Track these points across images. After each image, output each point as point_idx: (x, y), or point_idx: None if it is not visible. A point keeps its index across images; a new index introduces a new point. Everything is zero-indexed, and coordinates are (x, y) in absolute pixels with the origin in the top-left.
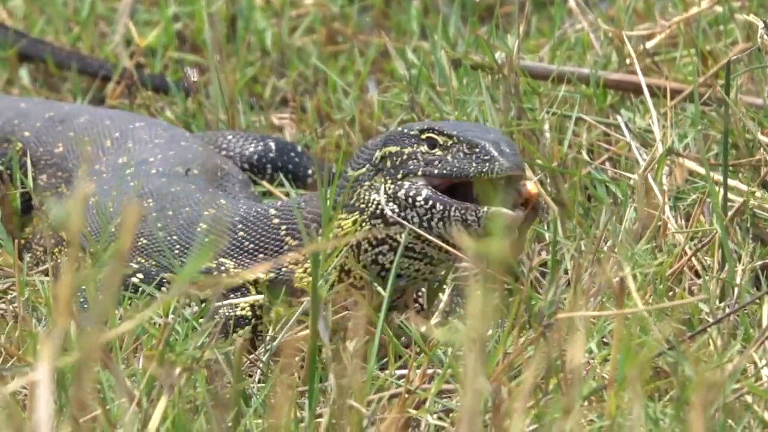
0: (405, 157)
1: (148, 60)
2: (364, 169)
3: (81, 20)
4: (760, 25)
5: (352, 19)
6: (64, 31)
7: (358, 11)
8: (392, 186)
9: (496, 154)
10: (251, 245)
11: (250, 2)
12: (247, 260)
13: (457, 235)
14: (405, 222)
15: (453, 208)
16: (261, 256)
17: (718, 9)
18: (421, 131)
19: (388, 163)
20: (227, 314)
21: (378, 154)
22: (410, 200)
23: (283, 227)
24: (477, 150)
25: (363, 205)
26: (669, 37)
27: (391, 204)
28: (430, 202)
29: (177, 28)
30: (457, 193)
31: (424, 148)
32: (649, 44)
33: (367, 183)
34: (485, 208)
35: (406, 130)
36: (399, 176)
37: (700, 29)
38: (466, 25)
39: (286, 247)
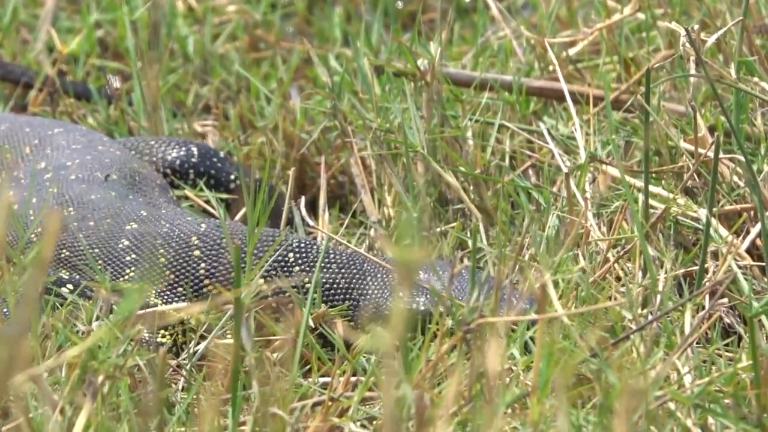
0: None
1: (71, 67)
2: None
3: (2, 27)
4: (682, 32)
5: (274, 26)
6: None
7: (280, 18)
8: None
9: None
10: (172, 275)
11: (173, 9)
12: (167, 291)
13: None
14: None
15: None
16: (180, 289)
17: (641, 16)
18: None
19: None
20: (146, 340)
21: None
22: None
23: (203, 264)
24: None
25: None
26: (592, 44)
27: None
28: None
29: (99, 36)
30: None
31: None
32: (572, 51)
33: None
34: None
35: None
36: None
37: (622, 36)
38: (388, 32)
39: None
